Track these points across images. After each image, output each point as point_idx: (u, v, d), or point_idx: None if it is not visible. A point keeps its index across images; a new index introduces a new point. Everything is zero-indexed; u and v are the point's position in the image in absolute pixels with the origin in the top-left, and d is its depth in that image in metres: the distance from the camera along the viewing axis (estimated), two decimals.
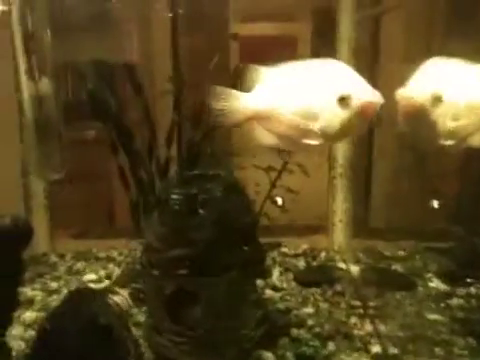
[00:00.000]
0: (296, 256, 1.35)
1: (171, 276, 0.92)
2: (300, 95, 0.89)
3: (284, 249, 1.37)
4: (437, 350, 0.90)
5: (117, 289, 0.70)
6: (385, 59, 1.62)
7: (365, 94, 0.85)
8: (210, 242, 0.92)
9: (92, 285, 0.70)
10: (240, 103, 0.91)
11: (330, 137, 0.90)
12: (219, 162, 1.22)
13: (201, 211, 0.94)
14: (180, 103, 1.21)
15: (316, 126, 0.88)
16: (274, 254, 1.33)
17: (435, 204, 1.18)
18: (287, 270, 1.26)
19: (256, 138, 0.95)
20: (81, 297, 0.62)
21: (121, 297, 0.65)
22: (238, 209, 0.99)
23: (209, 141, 1.21)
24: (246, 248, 0.95)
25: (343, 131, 0.88)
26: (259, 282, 1.16)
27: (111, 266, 1.30)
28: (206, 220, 0.94)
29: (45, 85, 1.20)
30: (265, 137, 0.94)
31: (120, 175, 1.23)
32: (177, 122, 1.22)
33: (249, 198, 1.07)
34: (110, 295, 0.66)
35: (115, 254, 1.40)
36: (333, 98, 0.86)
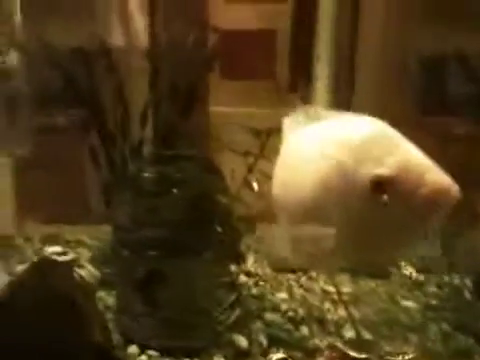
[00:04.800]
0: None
1: (142, 257, 0.89)
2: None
3: (259, 235, 1.35)
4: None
5: (83, 262, 0.66)
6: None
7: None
8: (183, 222, 0.89)
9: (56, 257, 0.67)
10: None
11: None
12: (194, 143, 1.18)
13: (174, 190, 0.91)
14: (156, 81, 1.17)
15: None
16: (249, 240, 1.31)
17: None
18: (262, 256, 1.24)
19: None
20: (42, 268, 0.58)
21: (87, 271, 0.62)
22: (213, 190, 0.96)
23: (186, 121, 1.18)
24: (220, 229, 0.93)
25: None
26: (233, 268, 1.13)
27: (80, 250, 1.26)
28: (179, 200, 0.91)
29: (13, 58, 1.15)
30: None
31: (91, 156, 1.19)
32: (153, 101, 1.18)
33: (225, 180, 1.04)
34: (75, 268, 0.62)
35: (85, 238, 1.35)
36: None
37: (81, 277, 0.60)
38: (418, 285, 1.09)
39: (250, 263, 1.20)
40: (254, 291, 1.05)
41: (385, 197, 0.52)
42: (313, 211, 0.58)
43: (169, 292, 0.87)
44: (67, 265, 0.58)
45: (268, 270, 1.18)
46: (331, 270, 0.71)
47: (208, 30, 1.69)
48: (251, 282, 1.10)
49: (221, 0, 2.18)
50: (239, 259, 1.18)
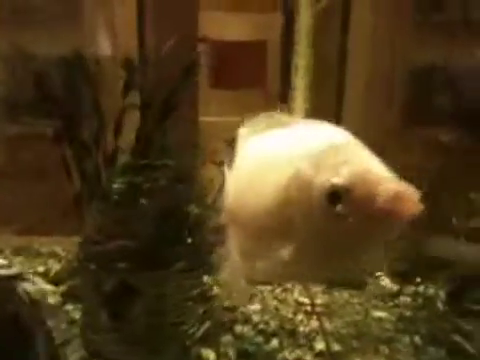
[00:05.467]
0: None
1: (110, 270, 0.87)
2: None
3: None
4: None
5: (30, 276, 0.64)
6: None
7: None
8: (152, 234, 0.87)
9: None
10: None
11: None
12: (171, 153, 1.17)
13: (144, 201, 0.90)
14: (130, 90, 1.16)
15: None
16: (223, 250, 1.29)
17: None
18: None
19: None
20: None
21: (32, 284, 0.59)
22: (184, 200, 0.95)
23: (161, 131, 1.16)
24: (191, 241, 0.91)
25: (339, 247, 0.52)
26: (206, 279, 1.12)
27: (51, 262, 1.23)
28: (149, 210, 0.89)
29: None
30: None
31: (64, 166, 1.17)
32: (126, 110, 1.16)
33: (200, 189, 1.03)
34: (19, 282, 0.60)
35: (59, 250, 1.32)
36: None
37: (27, 292, 0.58)
38: (392, 296, 1.08)
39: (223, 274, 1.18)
40: (227, 303, 1.03)
41: (340, 207, 0.50)
42: (271, 223, 0.57)
43: (138, 306, 0.85)
44: (10, 279, 0.56)
45: (242, 281, 1.16)
46: (288, 282, 0.70)
47: (196, 40, 1.68)
48: (224, 294, 1.08)
49: (211, 10, 2.18)
50: (212, 270, 1.16)
